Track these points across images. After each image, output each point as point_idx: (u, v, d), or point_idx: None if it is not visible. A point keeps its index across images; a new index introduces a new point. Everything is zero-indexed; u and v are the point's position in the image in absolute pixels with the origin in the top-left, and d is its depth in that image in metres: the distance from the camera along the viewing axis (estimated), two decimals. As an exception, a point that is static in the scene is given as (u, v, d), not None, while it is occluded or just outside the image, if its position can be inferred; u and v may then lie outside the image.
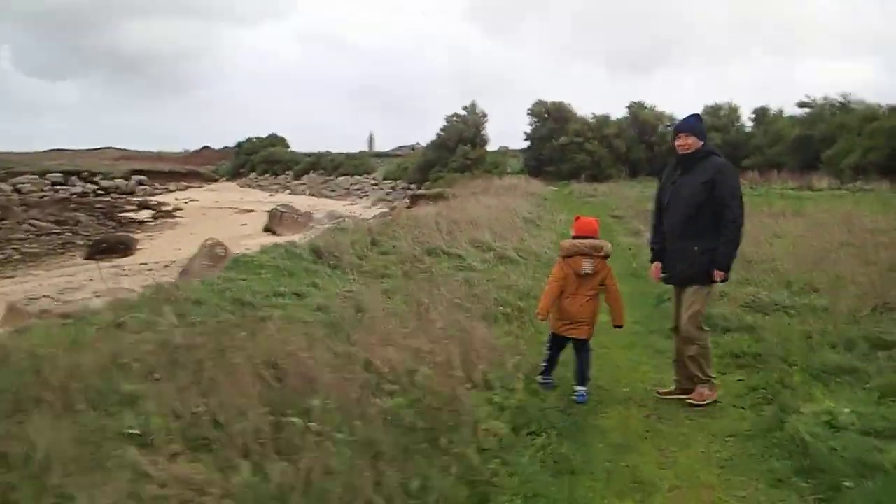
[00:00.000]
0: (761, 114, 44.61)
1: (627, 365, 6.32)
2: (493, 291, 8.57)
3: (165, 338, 5.45)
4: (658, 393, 5.50)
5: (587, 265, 5.45)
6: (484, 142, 47.29)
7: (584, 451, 4.39)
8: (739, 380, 5.59)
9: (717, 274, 5.10)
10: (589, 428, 4.76)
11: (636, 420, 4.96)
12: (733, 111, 44.03)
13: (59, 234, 32.71)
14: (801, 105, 40.94)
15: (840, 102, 39.81)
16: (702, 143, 5.29)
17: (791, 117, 42.01)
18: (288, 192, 59.76)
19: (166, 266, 20.91)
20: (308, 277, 9.72)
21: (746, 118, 44.76)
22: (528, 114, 46.18)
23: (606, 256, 5.56)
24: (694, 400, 5.24)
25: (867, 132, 33.68)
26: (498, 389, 4.92)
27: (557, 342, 5.71)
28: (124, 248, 26.15)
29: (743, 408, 5.06)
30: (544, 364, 5.76)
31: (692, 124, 5.45)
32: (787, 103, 50.87)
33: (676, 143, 5.40)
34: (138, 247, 27.26)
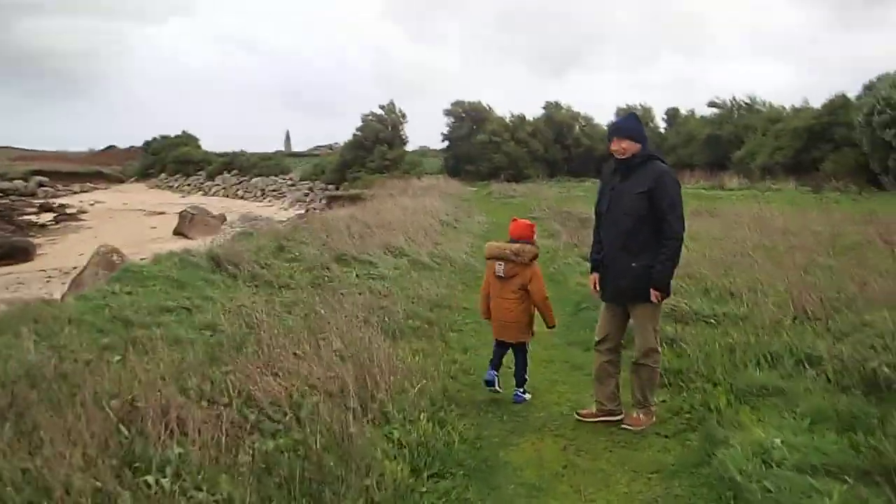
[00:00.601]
0: (673, 114, 45.66)
1: (543, 384, 5.83)
2: (402, 302, 8.00)
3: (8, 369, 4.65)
4: (578, 415, 5.05)
5: (499, 268, 5.43)
6: (403, 142, 46.93)
7: (494, 496, 3.85)
8: (662, 401, 5.16)
9: (654, 294, 4.67)
10: (500, 466, 4.22)
11: (552, 453, 4.45)
12: (647, 112, 44.73)
13: None
14: (711, 105, 42.08)
15: (746, 103, 41.05)
16: (639, 145, 4.81)
17: (702, 118, 43.10)
18: (201, 193, 58.26)
19: (67, 273, 19.87)
20: (202, 289, 8.94)
21: (659, 119, 45.77)
22: (445, 114, 45.85)
23: (532, 260, 5.43)
24: (629, 425, 4.84)
25: (773, 133, 34.73)
26: (398, 422, 4.34)
27: (498, 342, 5.66)
28: (23, 253, 25.01)
29: (666, 436, 4.62)
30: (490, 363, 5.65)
31: (627, 127, 4.95)
32: (698, 104, 52.33)
33: (611, 147, 4.91)
34: (39, 252, 25.99)
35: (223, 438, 3.56)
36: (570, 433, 4.72)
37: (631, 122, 5.06)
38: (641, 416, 4.88)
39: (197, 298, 8.20)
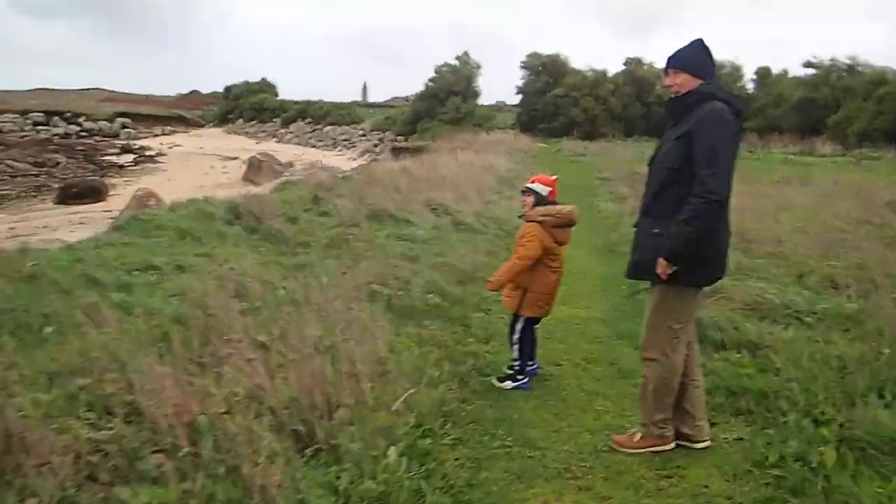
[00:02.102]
0: (764, 74, 42.40)
1: (577, 397, 4.49)
2: (425, 271, 6.77)
3: None
4: (614, 443, 3.80)
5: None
6: (476, 94, 45.10)
7: None
8: (738, 439, 3.75)
9: (660, 265, 3.51)
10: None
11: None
12: (736, 70, 41.56)
13: (35, 175, 31.53)
14: (807, 66, 38.69)
15: (847, 65, 37.67)
16: (699, 81, 3.59)
17: (795, 78, 39.91)
18: (275, 140, 58.51)
19: (132, 215, 19.38)
20: (209, 244, 7.93)
21: (748, 79, 42.52)
22: (522, 67, 43.79)
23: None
24: (615, 442, 3.81)
25: (875, 97, 31.91)
26: (352, 460, 3.10)
27: (533, 327, 4.89)
28: (95, 193, 24.99)
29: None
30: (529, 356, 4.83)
31: (684, 56, 3.69)
32: (791, 64, 48.83)
33: (666, 82, 3.78)
34: (111, 192, 26.04)
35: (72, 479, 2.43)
36: (600, 483, 3.36)
37: (691, 50, 3.72)
38: (637, 437, 3.76)
39: (194, 256, 7.17)
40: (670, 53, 3.80)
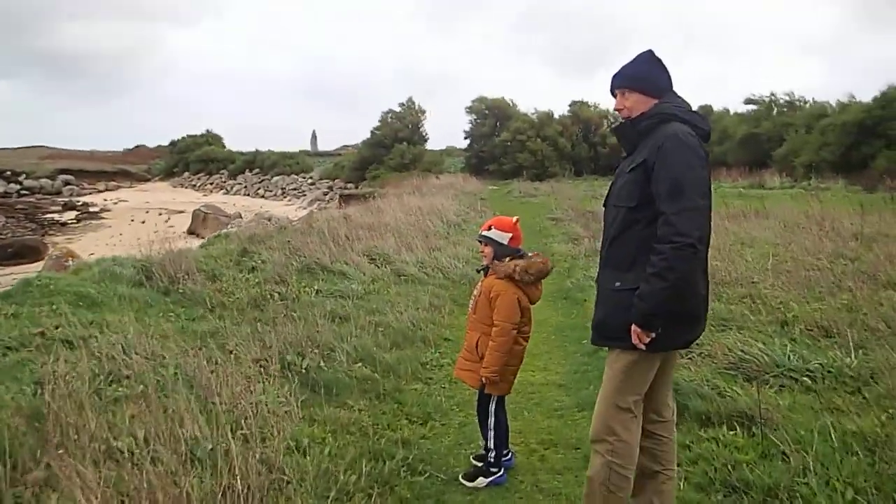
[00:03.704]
0: (706, 112, 43.07)
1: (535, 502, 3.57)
2: (355, 335, 5.83)
3: None
4: None
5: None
6: (423, 140, 44.79)
7: None
8: None
9: (634, 332, 2.77)
10: None
11: None
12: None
13: None
14: (748, 102, 39.66)
15: (786, 100, 38.71)
16: (653, 101, 2.95)
17: (737, 115, 40.71)
18: (223, 192, 57.64)
19: (68, 274, 18.35)
20: (108, 312, 6.88)
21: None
22: (468, 111, 43.56)
23: None
24: None
25: (819, 129, 32.40)
26: None
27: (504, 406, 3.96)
28: (33, 252, 24.25)
29: None
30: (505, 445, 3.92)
31: (630, 72, 3.01)
32: (729, 103, 50.14)
33: (615, 106, 3.11)
34: (50, 252, 24.81)
35: None
36: None
37: (638, 64, 3.03)
38: None
39: (85, 326, 6.11)
40: (615, 72, 3.05)
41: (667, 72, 3.02)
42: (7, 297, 7.33)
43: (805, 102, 38.16)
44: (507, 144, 40.03)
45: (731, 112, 41.87)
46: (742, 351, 4.72)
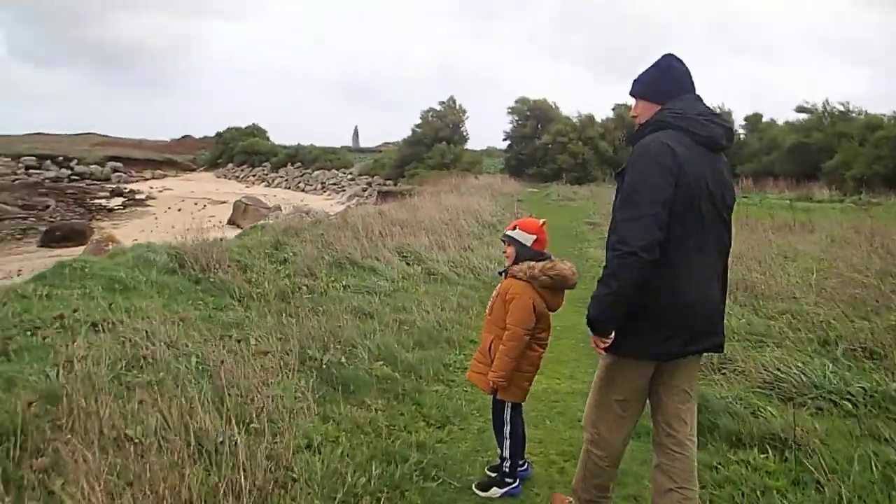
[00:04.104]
0: (754, 120, 42.05)
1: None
2: (379, 332, 5.75)
3: None
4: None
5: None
6: (463, 139, 44.61)
7: None
8: None
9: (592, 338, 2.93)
10: None
11: None
12: (726, 116, 41.08)
13: (23, 218, 31.38)
14: (800, 110, 38.20)
15: (840, 110, 37.22)
16: (657, 107, 2.95)
17: (788, 124, 39.43)
18: (264, 184, 58.32)
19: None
20: (138, 297, 6.91)
21: (737, 125, 42.03)
22: (509, 112, 43.22)
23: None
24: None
25: (872, 141, 31.35)
26: None
27: (521, 412, 3.76)
28: (79, 236, 24.72)
29: None
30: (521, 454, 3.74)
31: (640, 79, 3.04)
32: (776, 111, 48.83)
33: (631, 113, 3.26)
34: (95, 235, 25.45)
35: None
36: None
37: (648, 72, 3.03)
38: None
39: (115, 311, 6.13)
40: None
41: (680, 76, 2.97)
42: (41, 279, 7.41)
43: (859, 113, 36.79)
44: (547, 147, 39.63)
45: (781, 121, 40.60)
46: (779, 369, 4.51)
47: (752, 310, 6.45)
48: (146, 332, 5.11)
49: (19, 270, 17.06)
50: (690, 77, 2.99)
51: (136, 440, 3.07)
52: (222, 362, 4.16)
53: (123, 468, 2.82)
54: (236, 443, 3.05)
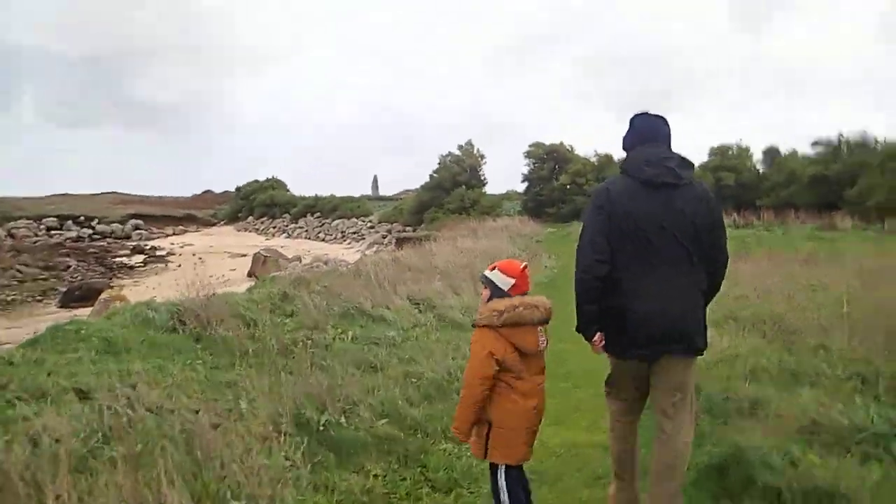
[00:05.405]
0: (772, 154, 41.55)
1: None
2: (384, 387, 5.37)
3: None
4: None
5: (542, 340, 3.30)
6: (481, 183, 44.60)
7: None
8: None
9: None
10: None
11: None
12: (743, 151, 40.83)
13: (44, 279, 31.52)
14: (815, 144, 37.76)
15: (857, 142, 36.73)
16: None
17: (805, 157, 38.94)
18: (285, 235, 58.55)
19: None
20: (134, 360, 6.59)
21: (755, 159, 41.66)
22: (525, 156, 43.35)
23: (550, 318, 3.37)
24: None
25: (893, 169, 30.69)
26: None
27: (518, 476, 3.33)
28: (97, 294, 24.41)
29: None
30: None
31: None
32: (793, 145, 48.09)
33: None
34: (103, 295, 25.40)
35: None
36: None
37: (628, 128, 3.68)
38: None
39: (104, 376, 5.80)
40: None
41: (644, 130, 3.53)
42: (34, 344, 7.14)
43: (877, 142, 36.30)
44: (565, 187, 39.50)
45: (800, 154, 39.98)
46: (816, 413, 4.04)
47: (784, 347, 6.00)
48: (128, 398, 4.76)
49: (35, 332, 16.94)
50: (659, 129, 3.53)
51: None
52: (216, 429, 3.81)
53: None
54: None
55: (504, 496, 3.21)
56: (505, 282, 3.28)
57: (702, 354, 3.54)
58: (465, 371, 3.22)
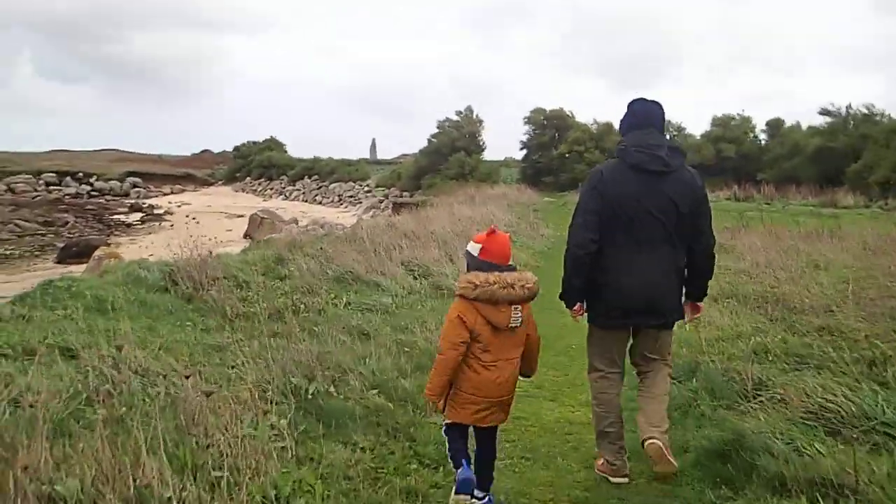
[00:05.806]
0: (775, 125, 40.92)
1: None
2: (375, 355, 5.25)
3: None
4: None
5: (516, 316, 3.22)
6: (480, 149, 43.97)
7: None
8: None
9: None
10: None
11: None
12: (746, 122, 40.37)
13: (42, 235, 31.77)
14: (823, 113, 36.94)
15: (864, 113, 36.01)
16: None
17: (811, 128, 38.25)
18: (282, 197, 58.14)
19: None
20: (123, 319, 6.45)
21: (759, 130, 41.13)
22: (525, 122, 42.75)
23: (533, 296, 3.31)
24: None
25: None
26: None
27: (461, 431, 3.41)
28: (95, 252, 24.36)
29: None
30: (456, 461, 3.35)
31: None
32: (794, 117, 47.36)
33: None
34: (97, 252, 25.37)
35: None
36: None
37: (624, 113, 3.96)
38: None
39: (92, 334, 5.67)
40: None
41: (639, 116, 3.78)
42: (24, 299, 7.00)
43: (882, 116, 35.55)
44: (564, 156, 39.10)
45: (805, 126, 39.25)
46: (823, 398, 3.91)
47: (787, 327, 5.87)
48: (113, 359, 4.63)
49: (33, 287, 16.87)
50: (653, 115, 3.79)
51: (64, 499, 2.58)
52: (185, 397, 3.69)
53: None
54: (182, 501, 2.55)
55: (446, 447, 3.39)
56: (474, 247, 3.31)
57: (673, 326, 3.92)
58: (440, 336, 3.30)
